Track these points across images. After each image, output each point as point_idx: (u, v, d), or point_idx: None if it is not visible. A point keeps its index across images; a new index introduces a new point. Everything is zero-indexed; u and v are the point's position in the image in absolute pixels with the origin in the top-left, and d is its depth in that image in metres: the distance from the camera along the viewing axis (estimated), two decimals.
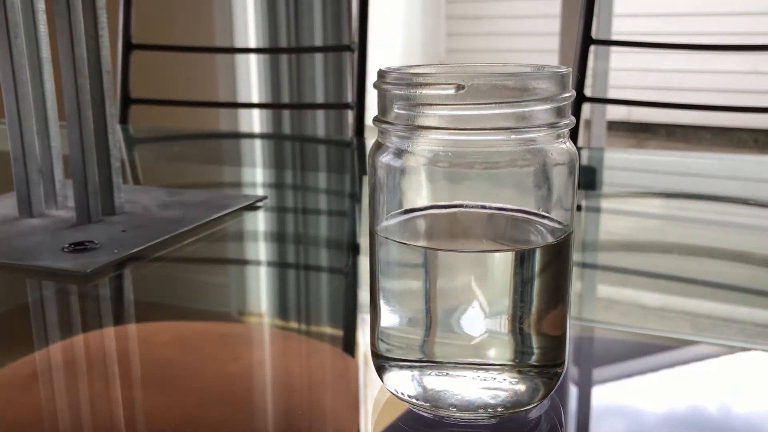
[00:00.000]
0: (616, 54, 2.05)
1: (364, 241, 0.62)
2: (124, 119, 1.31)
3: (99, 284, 0.51)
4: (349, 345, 0.45)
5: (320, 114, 2.44)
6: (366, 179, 0.89)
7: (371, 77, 1.26)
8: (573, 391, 0.37)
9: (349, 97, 1.24)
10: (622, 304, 0.50)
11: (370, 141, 1.12)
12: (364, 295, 0.50)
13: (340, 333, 0.47)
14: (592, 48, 1.17)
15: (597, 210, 0.74)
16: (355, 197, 0.82)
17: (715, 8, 4.00)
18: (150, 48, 1.35)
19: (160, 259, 0.56)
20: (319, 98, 2.39)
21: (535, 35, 4.39)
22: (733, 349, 0.42)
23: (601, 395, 0.38)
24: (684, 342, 0.43)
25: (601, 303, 0.51)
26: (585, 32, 1.22)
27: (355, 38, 1.23)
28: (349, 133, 1.28)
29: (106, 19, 0.61)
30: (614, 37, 2.10)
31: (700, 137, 4.24)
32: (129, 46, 1.31)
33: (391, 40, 4.21)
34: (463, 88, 0.28)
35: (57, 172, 0.65)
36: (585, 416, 0.35)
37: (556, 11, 2.04)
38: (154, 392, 0.37)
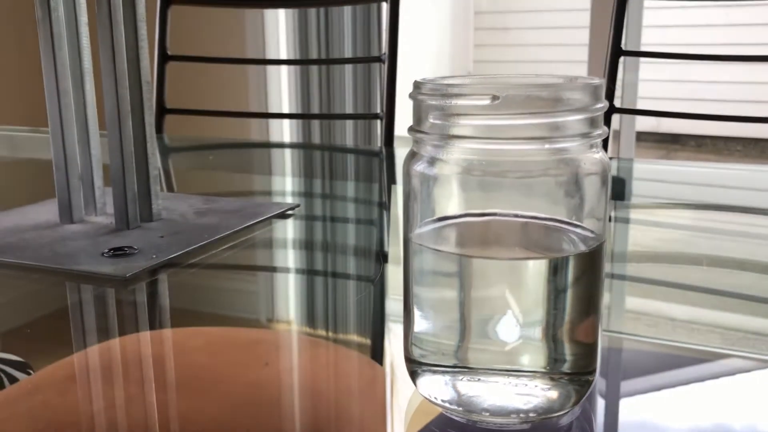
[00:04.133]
0: (645, 65, 2.04)
1: (392, 250, 0.63)
2: (159, 128, 1.33)
3: (137, 288, 0.53)
4: (377, 352, 0.45)
5: (349, 124, 2.46)
6: (395, 188, 0.90)
7: (401, 88, 1.27)
8: (603, 400, 0.37)
9: (378, 107, 1.25)
10: (651, 315, 0.50)
11: (399, 151, 1.13)
12: (392, 304, 0.51)
13: (368, 341, 0.47)
14: (621, 59, 1.17)
15: (626, 221, 0.74)
16: (384, 206, 0.83)
17: (745, 19, 3.95)
18: (185, 59, 1.38)
19: (195, 265, 0.57)
20: (349, 108, 2.41)
21: (563, 46, 4.38)
22: (765, 363, 0.42)
23: (632, 405, 0.38)
24: (714, 355, 0.43)
25: (629, 314, 0.51)
26: (615, 43, 1.22)
27: (386, 49, 1.24)
28: (378, 142, 1.29)
29: (146, 32, 0.63)
30: (644, 48, 2.09)
31: (731, 149, 4.18)
32: (164, 58, 1.34)
33: (421, 51, 4.22)
34: (498, 98, 0.29)
35: (97, 180, 0.67)
36: (615, 424, 0.36)
37: (584, 22, 2.04)
38: (185, 396, 0.38)
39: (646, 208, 0.81)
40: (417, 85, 0.32)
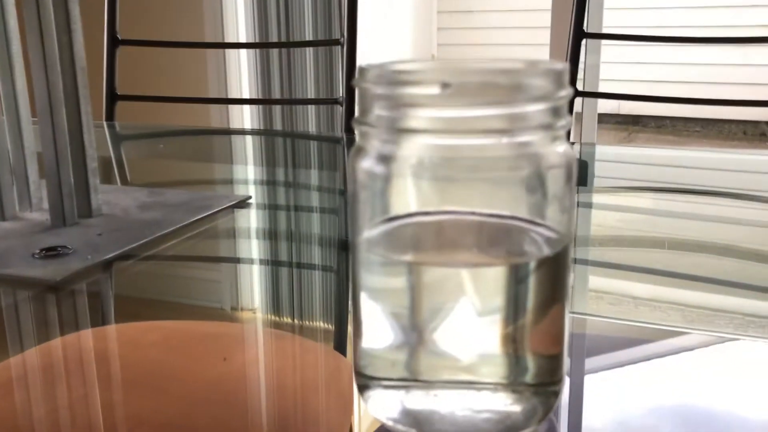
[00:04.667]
0: (606, 47, 2.03)
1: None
2: (110, 116, 1.28)
3: (70, 292, 0.49)
4: (340, 343, 0.44)
5: (312, 109, 2.41)
6: None
7: None
8: (567, 377, 0.36)
9: (340, 92, 1.22)
10: (614, 294, 0.51)
11: None
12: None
13: (331, 331, 0.46)
14: (583, 41, 1.15)
15: (588, 205, 0.73)
16: (345, 194, 0.80)
17: (704, 1, 3.99)
18: (136, 43, 1.32)
19: (135, 265, 0.53)
20: (310, 93, 2.36)
21: (526, 29, 4.37)
22: (722, 339, 0.43)
23: (594, 381, 0.37)
24: (675, 333, 0.43)
25: (591, 295, 0.51)
26: (577, 26, 1.19)
27: (344, 32, 1.20)
28: (340, 128, 1.25)
29: (78, 12, 0.58)
30: (605, 31, 2.07)
31: (690, 129, 4.23)
32: (114, 42, 1.28)
33: (383, 35, 4.18)
34: (449, 86, 0.25)
35: (31, 173, 0.62)
36: (579, 401, 0.34)
37: (547, 5, 2.02)
38: (139, 395, 0.36)
39: (608, 192, 0.80)
40: (362, 72, 0.28)
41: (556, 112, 0.27)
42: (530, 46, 4.19)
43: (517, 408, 0.29)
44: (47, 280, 0.48)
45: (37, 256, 0.51)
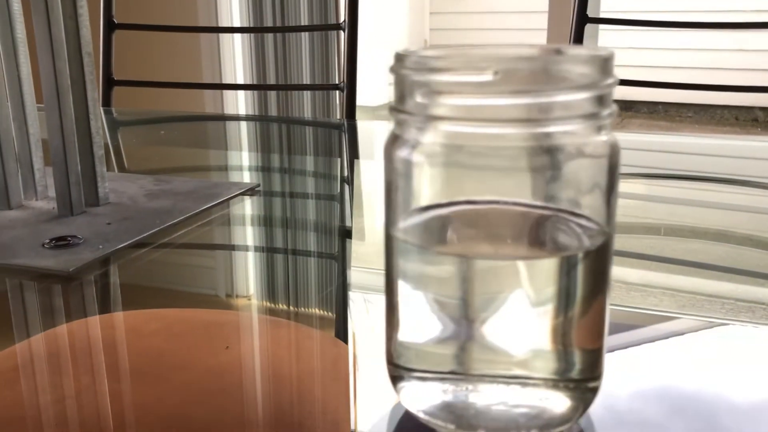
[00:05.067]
0: (600, 32, 2.03)
1: (356, 224, 0.60)
2: (107, 101, 1.27)
3: (83, 282, 0.48)
4: (340, 330, 0.43)
5: (307, 95, 2.39)
6: (359, 163, 0.86)
7: (361, 57, 1.23)
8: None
9: (336, 77, 1.20)
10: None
11: (361, 123, 1.09)
12: (354, 279, 0.48)
13: (331, 318, 0.45)
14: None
15: None
16: (348, 181, 0.79)
17: None
18: (132, 28, 1.30)
19: (149, 255, 0.53)
20: (306, 79, 2.34)
21: (520, 13, 4.36)
22: (711, 324, 0.43)
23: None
24: (666, 318, 0.44)
25: None
26: (580, 11, 1.19)
27: (345, 17, 1.19)
28: (336, 114, 1.24)
29: None
30: (603, 16, 2.06)
31: (682, 115, 4.24)
32: (111, 26, 1.26)
33: (378, 20, 4.15)
34: (498, 74, 0.25)
35: (36, 160, 0.61)
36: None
37: None
38: (142, 384, 0.35)
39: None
40: (399, 58, 0.27)
41: (601, 100, 0.26)
42: (524, 31, 4.18)
43: (557, 403, 0.29)
44: (60, 271, 0.47)
45: (47, 245, 0.50)
